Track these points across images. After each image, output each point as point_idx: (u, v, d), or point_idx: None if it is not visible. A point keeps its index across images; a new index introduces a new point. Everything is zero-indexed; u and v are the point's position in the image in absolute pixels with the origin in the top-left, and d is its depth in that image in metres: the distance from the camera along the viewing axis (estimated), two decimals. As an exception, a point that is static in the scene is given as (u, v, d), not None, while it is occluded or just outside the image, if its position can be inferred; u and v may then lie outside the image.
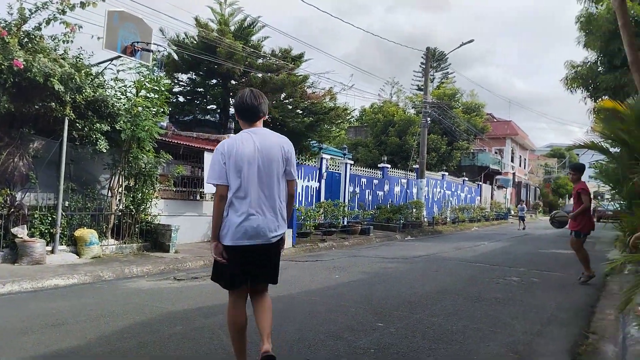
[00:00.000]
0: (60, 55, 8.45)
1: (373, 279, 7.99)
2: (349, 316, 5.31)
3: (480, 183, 35.17)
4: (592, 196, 8.48)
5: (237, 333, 3.42)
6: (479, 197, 34.18)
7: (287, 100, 17.03)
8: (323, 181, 17.27)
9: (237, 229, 3.23)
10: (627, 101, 9.00)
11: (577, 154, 50.89)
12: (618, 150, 8.97)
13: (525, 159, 52.91)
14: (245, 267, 3.34)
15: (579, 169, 8.47)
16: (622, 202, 10.46)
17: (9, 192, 7.92)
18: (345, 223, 16.22)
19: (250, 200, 3.25)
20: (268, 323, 3.39)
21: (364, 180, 20.07)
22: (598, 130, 9.01)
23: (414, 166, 24.46)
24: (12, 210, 7.88)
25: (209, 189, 11.92)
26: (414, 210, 20.82)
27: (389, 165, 22.74)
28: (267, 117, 3.60)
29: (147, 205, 10.04)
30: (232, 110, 17.55)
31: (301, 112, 17.30)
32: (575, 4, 16.34)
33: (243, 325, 3.42)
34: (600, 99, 15.12)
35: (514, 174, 44.73)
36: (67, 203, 8.76)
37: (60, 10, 8.16)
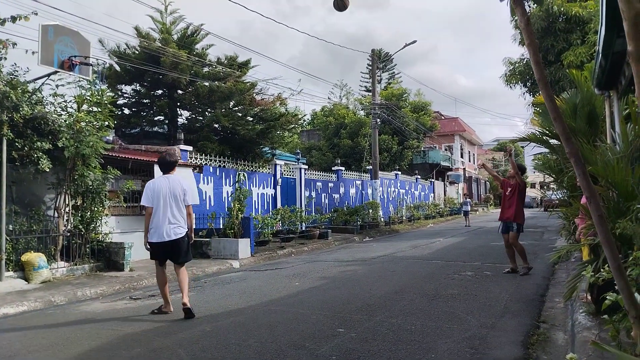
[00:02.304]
0: (-7, 73, 8.07)
1: (333, 283, 8.04)
2: (310, 324, 5.33)
3: (433, 180, 36.04)
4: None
5: (162, 286, 6.08)
6: (432, 194, 35.01)
7: (236, 108, 16.87)
8: (278, 187, 17.25)
9: (155, 233, 5.94)
10: (562, 95, 9.47)
11: (522, 146, 52.98)
12: (558, 142, 9.40)
13: (474, 154, 54.58)
14: (162, 253, 6.04)
15: (523, 170, 9.31)
16: (565, 191, 10.98)
17: (-56, 219, 7.48)
18: (303, 228, 16.23)
19: (163, 216, 5.93)
20: (184, 285, 5.95)
21: (319, 184, 20.18)
22: (536, 124, 9.42)
23: (367, 167, 24.78)
24: (-50, 238, 7.45)
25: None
26: (370, 211, 21.08)
27: (343, 168, 22.96)
28: (176, 167, 6.30)
29: (97, 224, 9.71)
30: (180, 120, 17.23)
31: (251, 119, 17.17)
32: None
33: (165, 281, 6.07)
34: (537, 94, 15.83)
35: (464, 169, 46.08)
36: (11, 227, 8.35)
37: (-11, 27, 7.79)
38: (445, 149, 43.73)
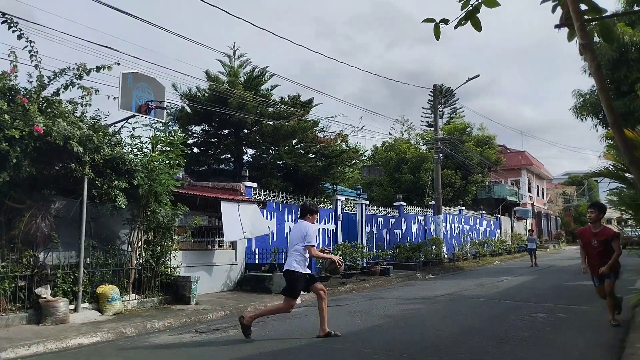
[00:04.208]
0: (78, 117, 8.74)
1: (396, 322, 7.88)
2: (373, 364, 5.24)
3: (499, 216, 34.79)
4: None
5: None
6: (498, 230, 33.75)
7: (299, 146, 17.26)
8: (339, 223, 17.28)
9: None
10: (638, 127, 8.99)
11: (596, 180, 50.26)
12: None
13: (543, 189, 52.35)
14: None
15: (602, 209, 7.64)
16: (644, 229, 10.28)
17: (32, 253, 8.07)
18: (364, 264, 16.08)
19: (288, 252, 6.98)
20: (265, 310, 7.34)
21: (380, 219, 20.03)
22: (610, 158, 8.97)
23: (430, 202, 24.37)
24: (35, 270, 8.00)
25: (228, 238, 12.02)
26: (434, 247, 20.61)
27: (405, 203, 22.70)
28: (308, 215, 7.05)
29: (167, 258, 10.11)
30: (245, 158, 17.81)
31: (314, 156, 17.48)
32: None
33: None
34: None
35: (532, 204, 44.18)
36: (88, 260, 8.86)
37: (77, 75, 8.51)
38: (512, 184, 42.25)
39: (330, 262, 7.31)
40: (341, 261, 7.44)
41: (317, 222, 15.90)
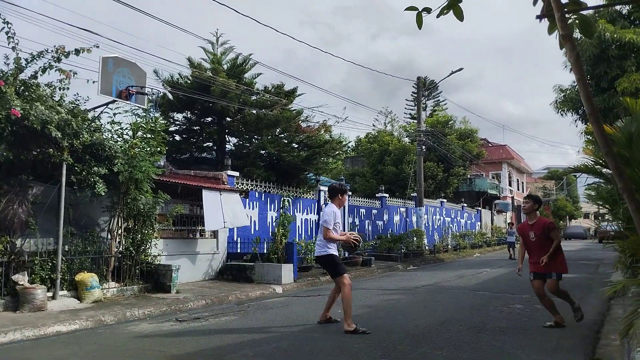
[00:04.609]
0: (56, 102, 8.58)
1: (376, 312, 7.94)
2: (352, 353, 5.27)
3: (480, 208, 35.20)
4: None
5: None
6: (479, 223, 34.17)
7: (282, 135, 17.18)
8: (322, 213, 17.29)
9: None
10: (616, 123, 9.14)
11: (574, 176, 51.14)
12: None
13: (523, 182, 53.08)
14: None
15: (537, 200, 7.32)
16: (620, 223, 10.47)
17: (8, 239, 7.91)
18: (346, 255, 16.13)
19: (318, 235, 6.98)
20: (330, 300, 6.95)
21: (362, 210, 20.11)
22: (589, 153, 9.09)
23: (412, 194, 24.53)
24: (12, 257, 7.86)
25: (209, 227, 11.94)
26: (415, 238, 20.78)
27: (387, 195, 22.81)
28: (339, 195, 7.03)
29: (147, 246, 10.01)
30: (228, 147, 17.65)
31: (297, 146, 17.41)
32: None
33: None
34: (589, 122, 15.33)
35: (512, 197, 44.80)
36: (67, 247, 8.74)
37: (55, 58, 8.35)
38: (493, 177, 42.75)
39: (346, 239, 6.92)
40: (358, 239, 7.08)
41: (299, 212, 16.05)
